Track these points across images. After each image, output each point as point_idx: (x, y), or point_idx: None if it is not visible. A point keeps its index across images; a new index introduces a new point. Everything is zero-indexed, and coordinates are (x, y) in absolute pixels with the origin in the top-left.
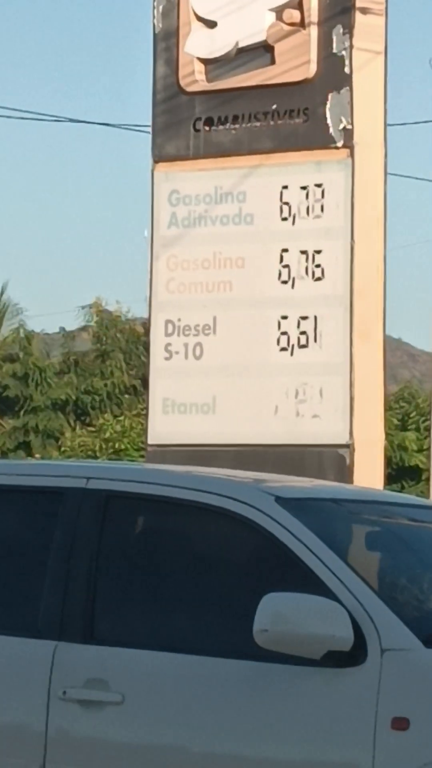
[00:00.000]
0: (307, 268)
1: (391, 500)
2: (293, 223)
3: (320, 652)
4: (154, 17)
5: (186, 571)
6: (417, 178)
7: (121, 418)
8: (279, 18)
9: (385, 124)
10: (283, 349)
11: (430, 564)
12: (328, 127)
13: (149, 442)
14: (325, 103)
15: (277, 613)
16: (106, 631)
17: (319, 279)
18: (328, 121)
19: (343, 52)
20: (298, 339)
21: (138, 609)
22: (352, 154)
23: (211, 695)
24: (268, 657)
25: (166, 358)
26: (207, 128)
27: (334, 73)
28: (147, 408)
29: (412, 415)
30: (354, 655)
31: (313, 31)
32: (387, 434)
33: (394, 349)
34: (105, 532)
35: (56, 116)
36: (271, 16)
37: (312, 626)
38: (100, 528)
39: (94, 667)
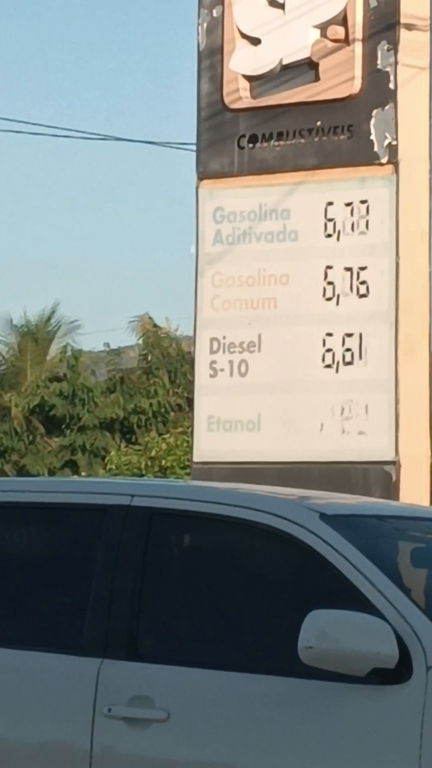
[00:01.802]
0: (351, 285)
1: None
2: (338, 239)
3: (365, 670)
4: (198, 34)
5: (230, 588)
6: None
7: (167, 435)
8: (323, 34)
9: (430, 140)
10: (328, 366)
11: None
12: (372, 144)
13: (194, 459)
14: (370, 120)
15: (322, 630)
16: (151, 649)
17: (363, 296)
18: (373, 137)
19: (388, 68)
20: (343, 356)
21: (182, 626)
22: (396, 171)
23: (256, 713)
24: (312, 674)
25: (211, 376)
26: (251, 145)
27: (379, 90)
28: (192, 426)
29: None
30: (399, 672)
31: (358, 48)
32: None
33: None
34: (149, 549)
35: (103, 135)
36: (316, 33)
37: (356, 643)
38: (145, 545)
39: (138, 684)
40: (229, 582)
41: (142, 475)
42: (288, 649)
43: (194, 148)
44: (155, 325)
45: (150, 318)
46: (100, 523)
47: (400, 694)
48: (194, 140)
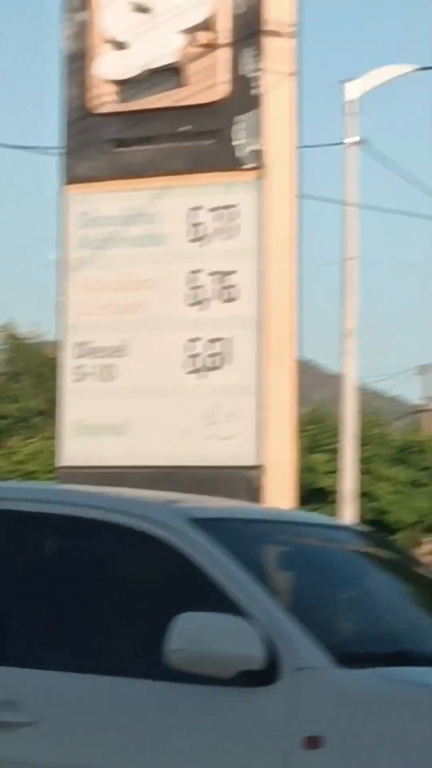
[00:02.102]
0: (218, 290)
1: (303, 520)
2: (204, 244)
3: (233, 672)
4: (63, 39)
5: (99, 592)
6: (329, 200)
7: (32, 440)
8: (189, 40)
9: (296, 146)
10: (195, 370)
11: (340, 583)
12: (238, 149)
13: (60, 464)
14: (236, 125)
15: (190, 633)
16: (19, 653)
17: (230, 300)
18: (239, 142)
19: (254, 74)
20: (210, 361)
21: (51, 630)
22: (262, 176)
23: (124, 716)
24: (181, 677)
25: (77, 380)
26: (117, 150)
27: (245, 95)
28: (58, 430)
29: (321, 438)
30: (267, 674)
31: (224, 53)
32: (297, 456)
33: (304, 371)
34: (17, 553)
35: None
36: (182, 38)
37: (224, 646)
38: (12, 548)
39: (5, 688)
40: (98, 585)
41: (7, 479)
42: (157, 653)
43: (60, 152)
44: (19, 331)
45: (13, 324)
46: None
47: (268, 696)
48: (60, 145)
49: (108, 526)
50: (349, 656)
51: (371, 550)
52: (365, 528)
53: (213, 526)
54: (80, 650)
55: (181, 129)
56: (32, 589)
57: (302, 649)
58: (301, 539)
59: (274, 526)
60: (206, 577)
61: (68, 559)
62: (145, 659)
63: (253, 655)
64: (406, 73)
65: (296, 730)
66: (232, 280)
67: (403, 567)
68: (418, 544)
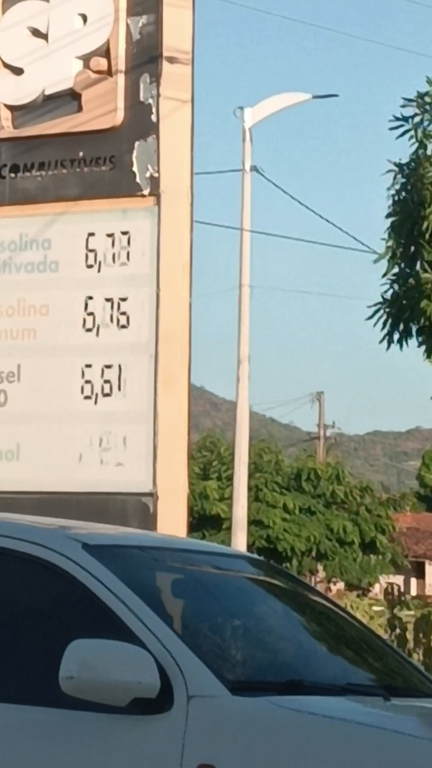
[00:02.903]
0: (111, 316)
1: (196, 548)
2: (99, 270)
3: (126, 699)
4: None
5: (25, 624)
6: (223, 226)
7: None
8: (86, 66)
9: (192, 173)
10: (87, 397)
11: (234, 611)
12: (134, 175)
13: None
14: (132, 151)
15: (83, 660)
16: None
17: (124, 327)
18: (135, 168)
19: (150, 101)
20: (102, 387)
21: None
22: (158, 202)
23: (15, 743)
24: (75, 704)
25: None
26: (12, 175)
27: (141, 121)
28: None
29: (213, 464)
30: (160, 702)
31: (120, 79)
32: (189, 483)
33: (196, 398)
34: None
35: None
36: (79, 64)
37: (118, 673)
38: None
39: None
40: (25, 617)
41: None
42: (50, 679)
43: None
44: None
45: None
46: None
47: (161, 724)
48: None
49: (2, 552)
50: (242, 684)
51: (265, 578)
52: (258, 556)
53: (107, 552)
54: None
55: (78, 155)
56: None
57: (195, 676)
58: (195, 567)
59: (167, 553)
60: (100, 604)
61: None
62: (39, 686)
63: (148, 683)
64: (301, 102)
65: (189, 758)
66: (125, 306)
67: (296, 595)
68: (313, 572)
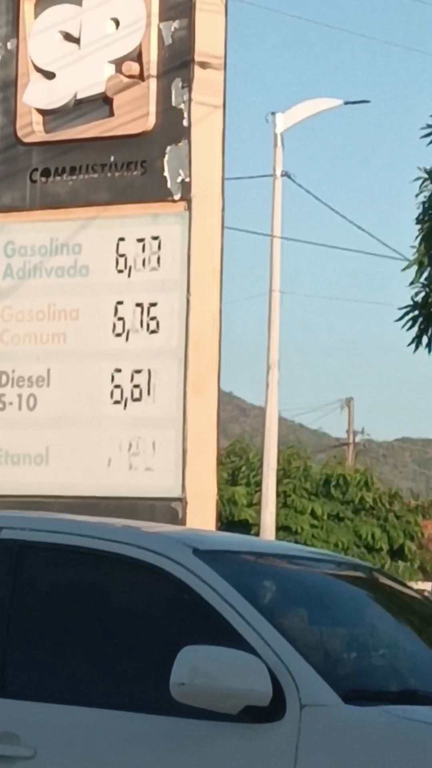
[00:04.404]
0: (141, 321)
1: (307, 555)
2: (129, 275)
3: (238, 707)
4: None
5: (101, 624)
6: (254, 232)
7: None
8: (118, 70)
9: (223, 178)
10: (117, 401)
11: (345, 619)
12: (165, 180)
13: None
14: (163, 156)
15: (195, 667)
16: (19, 685)
17: (153, 332)
18: (166, 173)
19: (182, 105)
20: (132, 392)
21: (52, 662)
22: (189, 207)
23: (125, 751)
24: (185, 712)
25: (0, 409)
26: (44, 179)
27: (173, 126)
28: None
29: (242, 470)
30: (272, 710)
31: (152, 84)
32: (218, 488)
33: (225, 404)
34: (18, 583)
35: None
36: (111, 69)
37: (230, 680)
38: (13, 578)
39: (5, 720)
40: (100, 617)
41: None
42: (160, 686)
43: None
44: None
45: None
46: None
47: (273, 733)
48: None
49: (111, 557)
50: (356, 693)
51: (376, 585)
52: (368, 564)
53: (218, 558)
54: (83, 683)
55: (109, 160)
56: (34, 621)
57: (308, 685)
58: (306, 574)
59: (278, 559)
60: (212, 610)
61: (71, 591)
62: (149, 693)
63: (261, 691)
64: (332, 107)
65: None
66: (155, 311)
67: (408, 603)
68: None
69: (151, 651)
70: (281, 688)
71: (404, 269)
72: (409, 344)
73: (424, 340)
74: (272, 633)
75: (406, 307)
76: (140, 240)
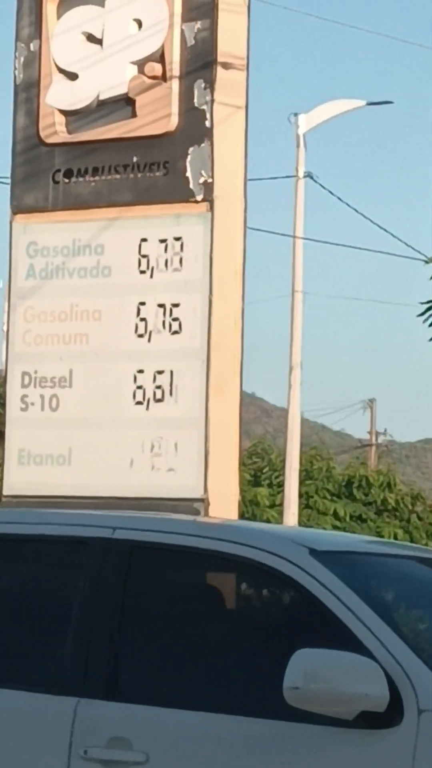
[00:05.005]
0: (164, 322)
1: (426, 555)
2: (151, 276)
3: (354, 712)
4: (15, 68)
5: (214, 626)
6: (277, 233)
7: None
8: (141, 71)
9: (246, 179)
10: (139, 402)
11: None
12: (188, 181)
13: (4, 493)
14: (186, 157)
15: (309, 670)
16: (130, 688)
17: (176, 332)
18: (188, 174)
19: (205, 106)
20: (154, 393)
21: (164, 665)
22: (211, 208)
23: (238, 756)
24: (298, 716)
25: (23, 410)
26: (66, 180)
27: (195, 127)
28: (2, 459)
29: (265, 471)
30: (389, 716)
31: (175, 85)
32: (240, 489)
33: (248, 404)
34: (130, 585)
35: None
36: (133, 69)
37: (345, 684)
38: (125, 579)
39: (117, 725)
40: (213, 619)
41: None
42: (273, 690)
43: (8, 181)
44: None
45: None
46: (79, 556)
47: (390, 740)
48: (8, 174)
49: (225, 558)
50: None
51: None
52: None
53: (335, 559)
54: (194, 686)
55: (132, 160)
56: (146, 622)
57: (427, 690)
58: (425, 574)
59: (396, 560)
60: (327, 613)
61: (183, 592)
62: (261, 697)
63: (377, 696)
64: (355, 108)
65: None
66: (178, 312)
67: None
68: None
69: (264, 654)
70: (399, 692)
71: (427, 262)
72: (430, 339)
73: None
74: (390, 636)
75: (428, 301)
76: (163, 241)
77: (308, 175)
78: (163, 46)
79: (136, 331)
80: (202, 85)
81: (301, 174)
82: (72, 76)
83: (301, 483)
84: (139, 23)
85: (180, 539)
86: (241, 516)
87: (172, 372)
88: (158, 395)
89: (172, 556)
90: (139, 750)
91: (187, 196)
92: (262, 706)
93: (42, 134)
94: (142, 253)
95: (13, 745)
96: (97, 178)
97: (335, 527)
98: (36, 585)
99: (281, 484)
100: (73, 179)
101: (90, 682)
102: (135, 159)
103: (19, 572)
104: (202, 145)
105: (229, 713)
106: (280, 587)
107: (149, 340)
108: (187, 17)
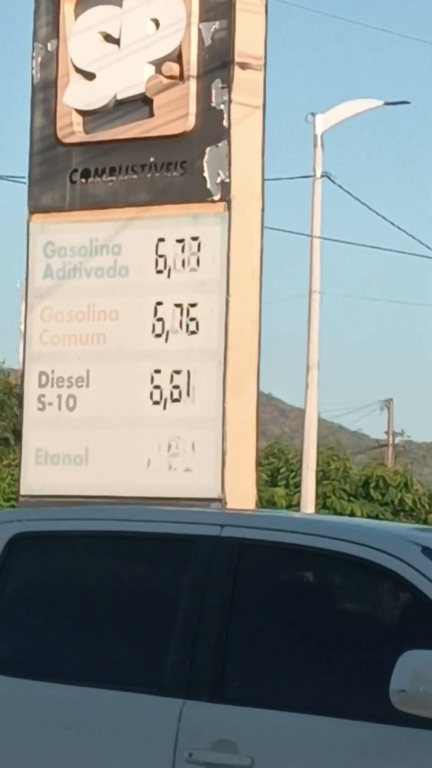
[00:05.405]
0: (181, 322)
1: None
2: (168, 276)
3: None
4: (32, 68)
5: (322, 627)
6: (294, 233)
7: None
8: (158, 71)
9: (263, 178)
10: (156, 402)
11: None
12: (205, 181)
13: (21, 492)
14: (203, 157)
15: (417, 672)
16: (236, 690)
17: (193, 333)
18: (206, 174)
19: (222, 106)
20: (171, 393)
21: (270, 666)
22: (229, 208)
23: (344, 762)
24: (405, 720)
25: (40, 409)
26: (83, 180)
27: (213, 127)
28: (20, 458)
29: (281, 471)
30: None
31: (192, 85)
32: (257, 490)
33: (264, 405)
34: (238, 583)
35: None
36: (150, 69)
37: None
38: (234, 579)
39: (222, 728)
40: (321, 619)
41: None
42: (382, 693)
43: (26, 181)
44: None
45: None
46: (187, 555)
47: None
48: (26, 174)
49: (335, 556)
50: None
51: None
52: None
53: None
54: (301, 689)
55: (149, 160)
56: (253, 623)
57: None
58: None
59: None
60: None
61: (292, 592)
62: (369, 700)
63: None
64: (372, 108)
65: None
66: (195, 312)
67: None
68: None
69: (371, 655)
70: None
71: None
72: None
73: None
74: None
75: None
76: (180, 240)
77: (325, 175)
78: (180, 46)
79: (153, 331)
80: (220, 84)
81: (318, 174)
82: (89, 76)
83: (318, 483)
84: (157, 23)
85: (289, 537)
86: None
87: (189, 372)
88: (175, 395)
89: (281, 555)
90: (245, 753)
91: (204, 196)
92: (371, 709)
93: (59, 134)
94: (159, 253)
95: (119, 746)
96: (114, 178)
97: None
98: (142, 584)
99: (298, 485)
100: (91, 179)
101: (196, 683)
102: (152, 159)
103: (123, 571)
104: (220, 145)
105: (337, 716)
106: (391, 586)
107: (166, 340)
108: (204, 17)
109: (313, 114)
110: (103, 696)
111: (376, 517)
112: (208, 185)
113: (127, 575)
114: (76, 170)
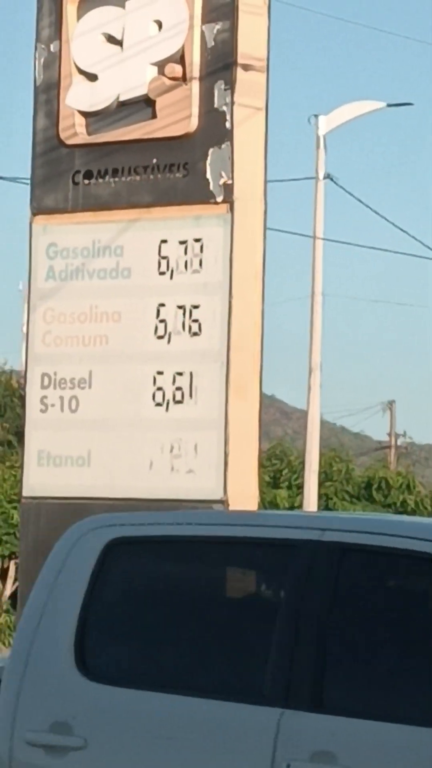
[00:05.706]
0: (183, 324)
1: None
2: (171, 277)
3: None
4: (35, 69)
5: (426, 635)
6: (297, 234)
7: None
8: (161, 72)
9: (265, 180)
10: (159, 404)
11: None
12: (208, 182)
13: (24, 494)
14: (206, 158)
15: None
16: (336, 699)
17: (195, 334)
18: (208, 176)
19: (225, 108)
20: (174, 394)
21: (372, 675)
22: (231, 210)
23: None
24: None
25: (42, 411)
26: (86, 181)
27: (215, 128)
28: (22, 460)
29: (284, 473)
30: None
31: (195, 86)
32: (259, 491)
33: (267, 406)
34: (339, 589)
35: None
36: (153, 70)
37: None
38: (335, 584)
39: (321, 738)
40: (425, 627)
41: None
42: None
43: (28, 182)
44: None
45: None
46: (286, 560)
47: None
48: (28, 175)
49: (404, 554)
50: None
51: None
52: None
53: None
54: (404, 698)
55: (151, 162)
56: (354, 630)
57: None
58: None
59: None
60: None
61: (396, 598)
62: (427, 705)
63: None
64: (375, 110)
65: None
66: (197, 314)
67: None
68: None
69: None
70: None
71: None
72: None
73: None
74: None
75: None
76: (182, 242)
77: (328, 177)
78: (183, 48)
79: (155, 332)
80: (223, 86)
81: (321, 175)
82: (92, 78)
83: (321, 485)
84: (160, 24)
85: (392, 541)
86: None
87: (191, 373)
88: (178, 397)
89: (384, 560)
90: (344, 765)
91: (207, 198)
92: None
93: (62, 135)
94: (162, 254)
95: (215, 756)
96: (117, 179)
97: None
98: (240, 590)
99: (300, 486)
100: (93, 180)
101: (294, 692)
102: (155, 160)
103: (219, 577)
104: (223, 146)
105: (394, 722)
106: None
107: (169, 341)
108: (207, 18)
109: (315, 115)
110: (200, 705)
111: None
112: (211, 187)
113: (225, 581)
114: (78, 171)
